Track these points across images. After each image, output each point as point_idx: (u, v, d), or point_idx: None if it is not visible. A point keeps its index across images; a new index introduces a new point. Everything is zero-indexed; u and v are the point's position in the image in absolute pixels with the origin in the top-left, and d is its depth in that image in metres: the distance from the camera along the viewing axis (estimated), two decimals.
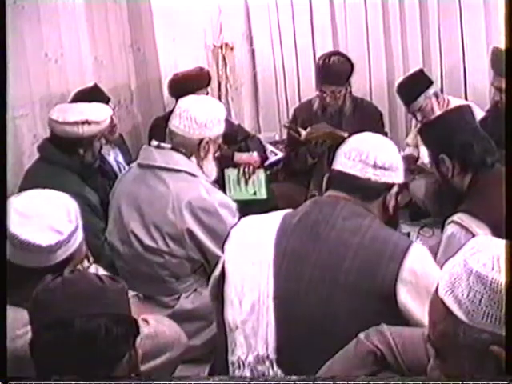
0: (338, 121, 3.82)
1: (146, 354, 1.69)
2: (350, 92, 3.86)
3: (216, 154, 2.77)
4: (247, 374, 1.77)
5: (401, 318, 1.73)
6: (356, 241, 1.80)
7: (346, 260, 1.78)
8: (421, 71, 3.92)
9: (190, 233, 2.61)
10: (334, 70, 3.74)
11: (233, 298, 1.85)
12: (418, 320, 1.70)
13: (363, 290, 1.75)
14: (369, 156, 1.88)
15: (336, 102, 3.79)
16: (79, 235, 1.79)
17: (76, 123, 2.85)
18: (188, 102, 2.74)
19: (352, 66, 3.81)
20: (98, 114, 2.94)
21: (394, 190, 1.95)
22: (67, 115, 2.87)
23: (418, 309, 1.71)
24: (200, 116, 2.65)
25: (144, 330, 1.83)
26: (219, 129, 2.72)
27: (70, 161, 2.88)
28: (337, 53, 3.97)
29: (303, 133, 3.74)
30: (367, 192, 1.90)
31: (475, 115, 2.56)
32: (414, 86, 3.75)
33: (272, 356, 1.78)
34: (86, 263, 1.85)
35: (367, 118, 3.84)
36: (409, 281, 1.74)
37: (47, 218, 1.71)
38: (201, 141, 2.67)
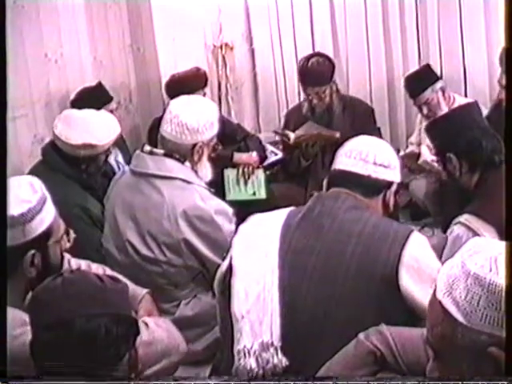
0: (327, 120, 3.81)
1: (143, 361, 1.68)
2: (337, 90, 3.85)
3: (212, 155, 2.70)
4: (252, 362, 1.79)
5: (404, 304, 1.77)
6: (357, 230, 1.86)
7: (348, 248, 1.83)
8: (428, 66, 3.95)
9: (187, 242, 2.57)
10: (314, 71, 3.75)
11: (239, 289, 1.89)
12: (420, 303, 1.72)
13: (366, 275, 1.80)
14: (369, 155, 1.99)
15: (323, 102, 3.78)
16: (50, 206, 1.78)
17: (77, 146, 2.74)
18: (178, 107, 2.64)
19: (333, 64, 3.81)
20: (104, 136, 2.79)
21: (393, 188, 2.05)
22: (70, 135, 2.74)
23: (420, 292, 1.74)
24: (191, 121, 2.57)
25: (143, 335, 1.82)
26: (212, 131, 2.65)
27: (72, 171, 2.79)
28: (316, 54, 3.97)
29: (292, 137, 3.75)
30: (368, 188, 1.99)
31: (482, 112, 2.55)
32: (422, 79, 3.77)
33: (276, 343, 1.80)
34: (65, 239, 1.84)
35: (358, 115, 3.85)
36: (410, 265, 1.79)
37: (12, 194, 1.69)
38: (194, 145, 2.60)
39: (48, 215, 1.76)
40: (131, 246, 2.63)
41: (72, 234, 1.88)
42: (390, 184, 2.03)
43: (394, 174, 2.03)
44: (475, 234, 2.10)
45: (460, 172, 2.30)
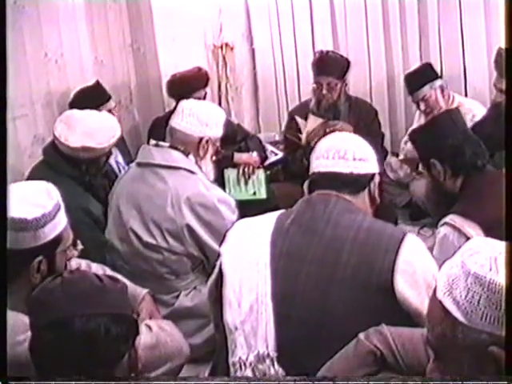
0: (333, 115, 3.81)
1: (146, 365, 1.69)
2: (345, 90, 3.87)
3: (214, 158, 2.79)
4: (249, 374, 1.78)
5: (400, 309, 1.75)
6: (351, 235, 1.83)
7: (342, 255, 1.80)
8: (429, 64, 3.96)
9: (189, 228, 2.62)
10: (331, 61, 3.80)
11: (231, 299, 1.86)
12: (416, 309, 1.72)
13: (361, 283, 1.77)
14: (347, 152, 1.95)
15: (331, 95, 3.78)
16: (63, 215, 1.79)
17: (77, 149, 2.71)
18: (191, 102, 2.83)
19: (348, 62, 3.84)
20: (104, 139, 2.74)
21: (376, 179, 2.02)
22: (70, 138, 2.70)
23: (417, 298, 1.73)
24: (202, 114, 2.72)
25: (146, 338, 1.83)
26: (219, 131, 2.78)
27: (73, 172, 2.77)
28: (332, 51, 4.05)
29: (303, 137, 3.75)
30: (353, 185, 1.95)
31: (464, 118, 2.58)
32: (421, 75, 3.79)
33: (272, 354, 1.78)
34: (72, 249, 1.85)
35: (363, 116, 3.87)
36: (405, 270, 1.76)
37: (28, 198, 1.71)
38: (201, 139, 2.70)
39: (60, 223, 1.77)
40: (134, 233, 2.67)
41: (79, 246, 1.88)
42: (373, 176, 2.00)
43: (373, 166, 2.00)
44: (461, 232, 2.14)
45: (444, 177, 2.35)
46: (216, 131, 2.76)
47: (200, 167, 2.72)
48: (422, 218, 3.96)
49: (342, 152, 1.95)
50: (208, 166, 2.76)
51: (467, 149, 2.32)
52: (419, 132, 2.52)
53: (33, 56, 3.26)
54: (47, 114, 3.30)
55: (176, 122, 2.73)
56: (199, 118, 2.70)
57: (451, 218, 2.19)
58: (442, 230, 2.21)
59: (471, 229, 2.11)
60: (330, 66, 3.77)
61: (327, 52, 3.89)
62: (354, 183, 1.95)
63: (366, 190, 1.99)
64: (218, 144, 2.80)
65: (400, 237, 1.82)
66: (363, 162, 1.96)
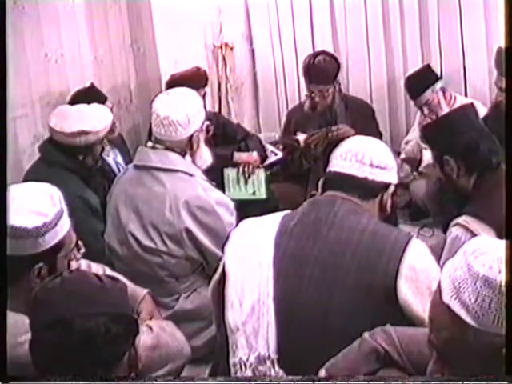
0: (329, 119, 3.82)
1: (147, 366, 1.68)
2: (340, 90, 3.86)
3: (207, 136, 2.74)
4: (249, 375, 1.78)
5: (402, 314, 1.74)
6: (355, 238, 1.82)
7: (345, 258, 1.79)
8: (428, 66, 3.95)
9: (188, 232, 2.61)
10: (320, 69, 3.74)
11: (233, 299, 1.86)
12: (418, 316, 1.71)
13: (364, 287, 1.76)
14: (365, 156, 1.93)
15: (325, 100, 3.78)
16: (66, 221, 1.77)
17: (73, 134, 2.81)
18: (164, 107, 2.61)
19: (338, 64, 3.81)
20: (98, 123, 2.87)
21: (391, 189, 2.00)
22: (65, 125, 2.82)
23: (419, 305, 1.72)
24: (181, 117, 2.60)
25: (147, 339, 1.83)
26: (202, 117, 2.68)
27: (70, 163, 2.85)
28: (322, 52, 3.95)
29: (301, 140, 3.74)
30: (364, 191, 1.93)
31: (479, 114, 2.55)
32: (422, 79, 3.77)
33: (273, 356, 1.78)
34: (76, 252, 1.83)
35: (360, 116, 3.85)
36: (409, 277, 1.75)
37: (30, 204, 1.69)
38: (190, 137, 2.65)
39: (62, 229, 1.75)
40: (133, 237, 2.66)
41: (82, 249, 1.86)
42: (387, 186, 1.98)
43: (390, 176, 1.98)
44: (473, 235, 2.07)
45: (457, 174, 2.30)
46: (200, 120, 2.66)
47: (196, 160, 2.68)
48: (422, 218, 3.96)
49: (360, 156, 1.93)
50: (203, 152, 2.71)
51: (482, 146, 2.26)
52: (433, 127, 2.46)
53: (33, 56, 3.26)
54: (47, 114, 3.29)
55: (159, 133, 2.62)
56: (180, 123, 2.59)
57: (464, 220, 2.15)
58: (454, 231, 2.17)
59: (485, 232, 2.05)
60: (318, 75, 3.73)
61: (315, 58, 3.77)
62: (366, 188, 1.93)
63: (378, 198, 1.97)
64: (205, 125, 2.72)
65: (405, 242, 1.81)
66: (380, 170, 1.94)
